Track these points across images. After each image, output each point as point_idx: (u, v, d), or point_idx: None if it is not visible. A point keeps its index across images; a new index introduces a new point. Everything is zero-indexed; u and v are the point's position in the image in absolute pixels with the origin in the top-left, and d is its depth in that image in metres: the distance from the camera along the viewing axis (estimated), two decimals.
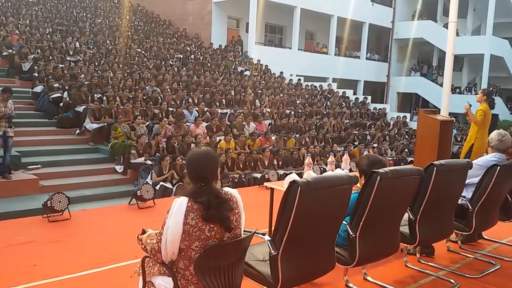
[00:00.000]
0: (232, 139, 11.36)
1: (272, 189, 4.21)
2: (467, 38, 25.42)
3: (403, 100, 28.83)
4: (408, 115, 21.71)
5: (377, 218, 3.02)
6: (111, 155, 10.16)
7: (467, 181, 3.86)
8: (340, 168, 4.76)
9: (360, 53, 26.40)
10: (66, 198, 5.10)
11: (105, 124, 10.72)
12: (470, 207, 3.87)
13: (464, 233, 4.02)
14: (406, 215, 3.43)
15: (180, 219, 2.14)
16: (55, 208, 5.01)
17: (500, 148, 4.06)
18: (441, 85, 23.42)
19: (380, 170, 2.90)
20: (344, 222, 2.94)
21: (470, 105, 6.99)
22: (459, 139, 17.98)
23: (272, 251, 2.52)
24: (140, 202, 5.71)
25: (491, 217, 4.10)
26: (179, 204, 2.17)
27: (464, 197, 3.92)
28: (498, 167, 3.75)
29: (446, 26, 25.14)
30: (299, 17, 22.35)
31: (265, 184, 4.45)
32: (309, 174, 4.27)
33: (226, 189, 2.39)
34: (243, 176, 9.92)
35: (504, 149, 4.05)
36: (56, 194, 5.05)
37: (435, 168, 3.34)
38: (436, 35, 25.34)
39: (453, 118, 10.83)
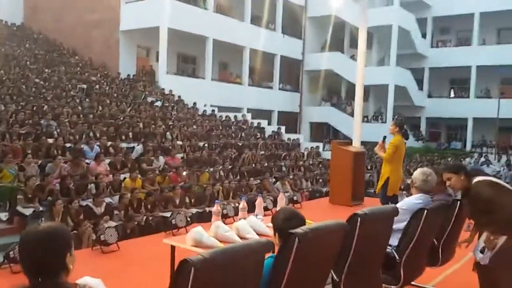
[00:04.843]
0: (139, 176, 10.40)
1: (173, 247, 3.50)
2: (372, 68, 26.68)
3: (316, 130, 29.45)
4: (321, 145, 21.96)
5: (297, 286, 2.45)
6: None
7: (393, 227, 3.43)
8: (254, 214, 4.28)
9: (273, 83, 26.63)
10: None
11: None
12: (397, 257, 3.45)
13: (392, 286, 3.57)
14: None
15: None
16: None
17: (424, 189, 3.71)
18: (350, 114, 24.22)
19: (298, 230, 2.32)
20: None
21: (385, 137, 6.80)
22: (369, 168, 18.37)
23: None
24: (13, 265, 4.64)
25: (420, 265, 3.71)
26: None
27: (390, 245, 3.49)
28: (425, 211, 3.37)
29: (352, 57, 26.44)
30: (211, 48, 22.07)
31: (163, 240, 3.71)
32: (217, 225, 3.69)
33: (85, 280, 1.66)
34: (150, 219, 9.00)
35: (429, 190, 3.71)
36: None
37: (359, 218, 2.85)
38: (344, 66, 26.41)
39: (364, 150, 10.85)
